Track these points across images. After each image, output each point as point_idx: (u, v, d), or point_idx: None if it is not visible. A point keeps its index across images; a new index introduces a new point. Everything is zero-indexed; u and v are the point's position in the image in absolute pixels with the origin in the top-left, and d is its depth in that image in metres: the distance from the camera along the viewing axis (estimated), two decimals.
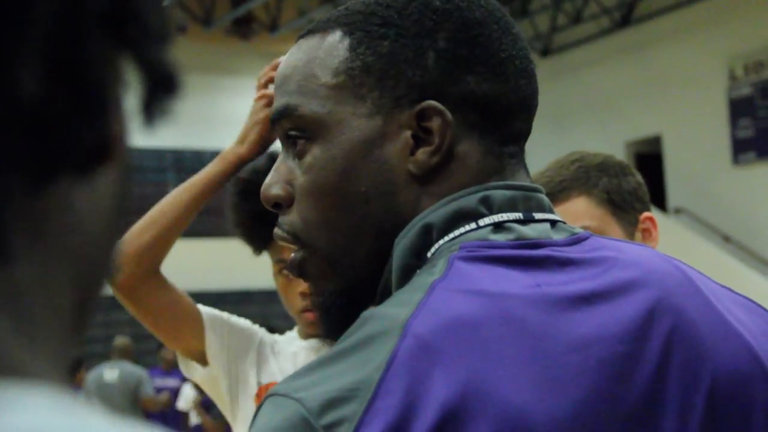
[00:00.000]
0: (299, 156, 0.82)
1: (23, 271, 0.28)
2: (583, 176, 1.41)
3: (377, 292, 0.79)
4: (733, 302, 0.79)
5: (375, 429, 0.62)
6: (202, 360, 1.76)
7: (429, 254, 0.75)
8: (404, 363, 0.63)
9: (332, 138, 0.80)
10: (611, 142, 14.37)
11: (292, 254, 0.83)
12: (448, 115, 0.77)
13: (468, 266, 0.71)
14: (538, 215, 0.78)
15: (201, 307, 1.77)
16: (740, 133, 13.87)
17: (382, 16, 0.80)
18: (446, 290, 0.68)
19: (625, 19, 14.84)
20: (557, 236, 0.76)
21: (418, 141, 0.78)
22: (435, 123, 0.78)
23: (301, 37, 0.85)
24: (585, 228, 1.31)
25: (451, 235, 0.75)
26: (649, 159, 14.84)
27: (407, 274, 0.75)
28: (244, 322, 1.88)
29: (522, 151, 0.83)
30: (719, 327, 0.74)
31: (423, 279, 0.71)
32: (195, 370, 1.78)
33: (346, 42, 0.81)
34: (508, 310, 0.67)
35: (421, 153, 0.78)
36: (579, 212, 1.39)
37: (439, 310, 0.67)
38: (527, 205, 0.78)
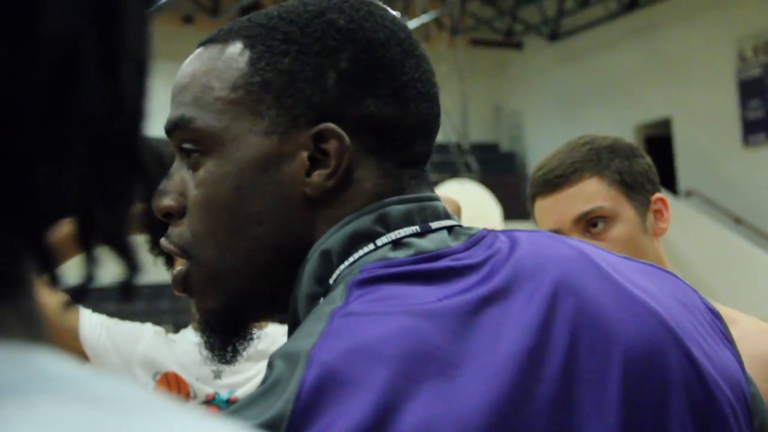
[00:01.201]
0: (193, 168, 0.80)
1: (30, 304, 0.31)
2: (595, 158, 1.42)
3: (288, 324, 0.78)
4: (635, 271, 0.79)
5: None
6: (79, 356, 1.83)
7: (331, 281, 0.75)
8: (313, 391, 0.63)
9: (227, 154, 0.78)
10: (621, 126, 14.49)
11: (177, 267, 0.82)
12: (346, 138, 0.76)
13: (367, 289, 0.70)
14: (435, 224, 0.77)
15: (81, 311, 1.87)
16: (750, 114, 13.85)
17: (284, 31, 0.79)
18: (346, 316, 0.68)
19: (633, 2, 14.83)
20: (455, 242, 0.76)
21: (315, 163, 0.77)
22: (332, 145, 0.77)
23: (202, 45, 0.83)
24: (599, 208, 1.39)
25: (351, 259, 0.75)
26: (659, 142, 14.92)
27: (312, 303, 0.75)
28: (126, 325, 1.97)
29: (423, 172, 0.82)
30: (624, 301, 0.74)
31: (324, 308, 0.70)
32: None
33: (247, 56, 0.80)
34: (412, 328, 0.67)
35: (317, 175, 0.77)
36: (592, 193, 1.40)
37: (342, 336, 0.66)
38: (422, 216, 0.77)
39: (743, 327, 1.37)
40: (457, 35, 14.62)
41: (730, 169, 14.07)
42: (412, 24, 14.25)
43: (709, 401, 0.73)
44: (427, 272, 0.72)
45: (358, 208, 0.77)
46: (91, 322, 1.89)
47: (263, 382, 0.67)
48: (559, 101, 16.20)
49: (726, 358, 0.78)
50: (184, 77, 0.82)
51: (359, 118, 0.77)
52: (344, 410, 0.63)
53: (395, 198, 0.78)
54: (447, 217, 0.79)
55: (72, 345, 1.83)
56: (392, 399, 0.64)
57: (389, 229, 0.76)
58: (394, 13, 0.86)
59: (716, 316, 0.81)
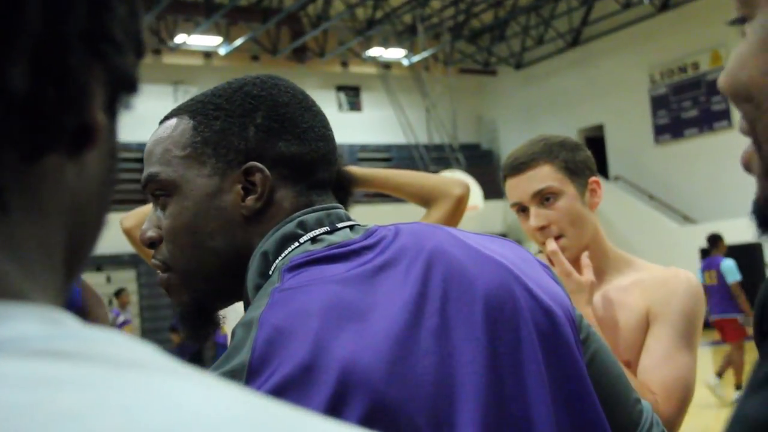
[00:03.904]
0: (163, 208, 0.81)
1: (19, 219, 0.27)
2: (548, 150, 1.37)
3: (244, 308, 0.78)
4: (489, 241, 0.80)
5: (254, 389, 0.61)
6: None
7: (270, 272, 0.75)
8: (264, 344, 0.64)
9: (184, 194, 0.79)
10: (567, 130, 14.45)
11: (161, 275, 0.82)
12: (266, 170, 0.77)
13: (295, 272, 0.71)
14: (340, 225, 0.78)
15: None
16: (659, 121, 13.97)
17: (215, 103, 0.80)
18: (283, 291, 0.69)
19: (575, 40, 14.88)
20: (355, 235, 0.76)
21: (247, 191, 0.77)
22: (257, 177, 0.77)
23: (162, 120, 0.84)
24: (549, 187, 1.35)
25: (283, 255, 0.75)
26: (595, 141, 14.89)
27: (258, 290, 0.75)
28: None
29: (327, 192, 0.81)
30: (480, 259, 0.74)
31: (266, 289, 0.71)
32: None
33: (191, 124, 0.80)
34: (331, 291, 0.68)
35: (249, 200, 0.77)
36: (545, 176, 1.36)
37: (281, 304, 0.67)
38: (330, 219, 0.78)
39: (648, 269, 1.38)
40: (449, 65, 14.83)
41: (645, 160, 14.10)
42: (416, 58, 14.28)
43: (547, 317, 0.73)
44: (336, 255, 0.72)
45: (282, 220, 0.77)
46: None
47: (230, 346, 0.67)
48: (523, 112, 16.13)
49: (555, 289, 0.78)
50: (149, 146, 0.82)
51: (274, 156, 0.77)
52: (288, 353, 0.63)
53: (309, 209, 0.78)
54: (348, 219, 0.80)
55: None
56: (323, 340, 0.63)
57: (307, 231, 0.76)
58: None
59: (545, 267, 0.81)
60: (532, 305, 0.73)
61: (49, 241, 0.29)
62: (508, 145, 15.98)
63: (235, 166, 0.78)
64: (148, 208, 1.62)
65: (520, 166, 1.39)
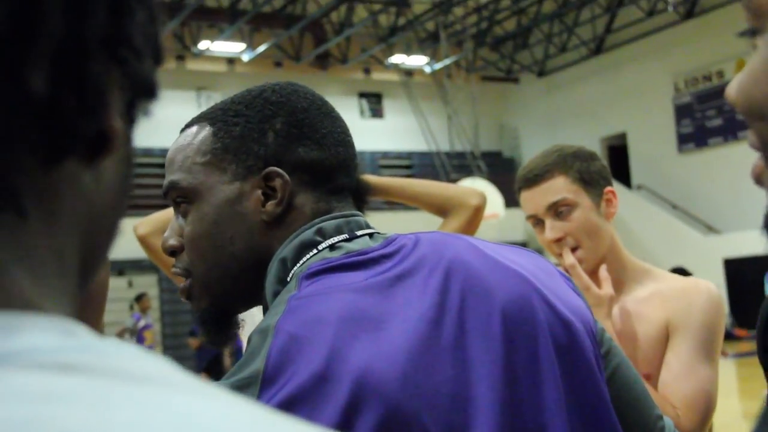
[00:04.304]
0: (184, 215, 0.81)
1: (35, 226, 0.27)
2: (561, 161, 1.37)
3: (263, 313, 0.78)
4: (509, 251, 0.79)
5: (268, 398, 0.62)
6: None
7: (288, 279, 0.75)
8: (279, 351, 0.63)
9: (205, 201, 0.79)
10: (590, 138, 14.53)
11: (182, 284, 0.83)
12: (286, 175, 0.77)
13: (313, 279, 0.71)
14: (359, 233, 0.78)
15: None
16: (683, 130, 13.86)
17: (234, 110, 0.80)
18: (299, 298, 0.69)
19: (599, 48, 14.82)
20: (374, 244, 0.76)
21: (267, 197, 0.78)
22: (277, 182, 0.77)
23: (182, 130, 0.84)
24: (564, 198, 1.35)
25: (301, 262, 0.75)
26: (618, 149, 14.87)
27: (276, 297, 0.75)
28: None
29: (347, 198, 0.81)
30: (499, 269, 0.73)
31: (283, 296, 0.71)
32: None
33: (211, 130, 0.80)
34: (348, 300, 0.68)
35: (269, 205, 0.77)
36: (559, 187, 1.35)
37: (297, 312, 0.67)
38: (349, 227, 0.77)
39: (668, 279, 1.36)
40: (471, 72, 14.89)
41: (669, 169, 14.03)
42: (438, 65, 14.29)
43: (565, 330, 0.73)
44: (354, 263, 0.72)
45: (302, 225, 0.77)
46: None
47: (245, 353, 0.67)
48: (546, 120, 16.09)
49: (576, 302, 0.77)
50: (172, 153, 0.83)
51: (294, 161, 0.78)
52: (303, 362, 0.62)
53: (328, 216, 0.78)
54: (368, 227, 0.79)
55: None
56: (338, 349, 0.63)
57: (326, 238, 0.76)
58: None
59: (567, 278, 0.80)
60: (550, 317, 0.72)
61: (64, 249, 0.29)
62: (530, 153, 15.73)
63: (255, 172, 0.78)
64: (164, 214, 1.61)
65: (535, 178, 1.38)
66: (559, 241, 1.36)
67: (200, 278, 0.81)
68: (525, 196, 1.40)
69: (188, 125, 0.84)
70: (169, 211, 1.62)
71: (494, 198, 9.82)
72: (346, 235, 0.77)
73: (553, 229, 1.36)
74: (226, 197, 0.78)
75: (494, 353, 0.69)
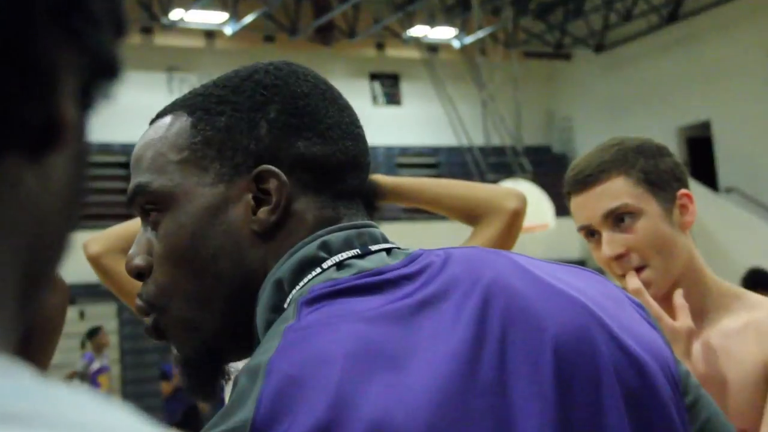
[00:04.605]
0: (154, 227, 0.81)
1: None
2: (622, 158, 1.38)
3: (251, 350, 0.77)
4: (563, 272, 0.79)
5: None
6: None
7: (285, 305, 0.75)
8: (273, 397, 0.63)
9: (181, 207, 0.79)
10: (663, 129, 14.33)
11: (146, 320, 0.82)
12: (283, 176, 0.77)
13: (316, 306, 0.71)
14: (374, 247, 0.78)
15: None
16: None
17: (218, 95, 0.81)
18: (298, 330, 0.68)
19: (673, 15, 14.71)
20: (393, 261, 0.76)
21: (259, 202, 0.78)
22: (272, 184, 0.77)
23: (152, 121, 0.85)
24: (625, 205, 1.36)
25: (301, 284, 0.75)
26: (700, 142, 14.77)
27: (269, 328, 0.74)
28: None
29: (358, 204, 0.82)
30: (551, 294, 0.73)
31: (277, 327, 0.71)
32: None
33: (189, 121, 0.81)
34: (359, 332, 0.67)
35: (262, 212, 0.77)
36: (618, 191, 1.37)
37: (295, 347, 0.66)
38: (362, 240, 0.78)
39: (766, 306, 1.35)
40: (511, 48, 14.81)
41: (766, 167, 13.81)
42: (470, 39, 14.32)
43: (637, 373, 0.72)
44: (367, 285, 0.72)
45: (302, 239, 0.77)
46: None
47: (230, 397, 0.66)
48: (606, 107, 16.04)
49: (652, 337, 0.76)
50: (139, 150, 0.83)
51: (292, 158, 0.78)
52: (303, 410, 0.62)
53: (334, 227, 0.78)
54: (385, 241, 0.80)
55: None
56: (346, 394, 0.63)
57: (332, 254, 0.76)
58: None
59: (639, 306, 0.80)
60: (617, 356, 0.72)
61: (1, 265, 0.29)
62: (586, 147, 14.74)
63: (243, 172, 0.79)
64: (123, 228, 1.62)
65: (587, 179, 1.39)
66: (620, 258, 1.36)
67: (176, 309, 0.80)
68: (576, 202, 1.41)
69: (160, 115, 0.84)
70: (132, 225, 1.61)
71: (542, 204, 9.80)
72: (358, 250, 0.77)
73: (611, 243, 1.36)
74: (207, 203, 0.79)
75: (544, 401, 0.68)
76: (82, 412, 0.24)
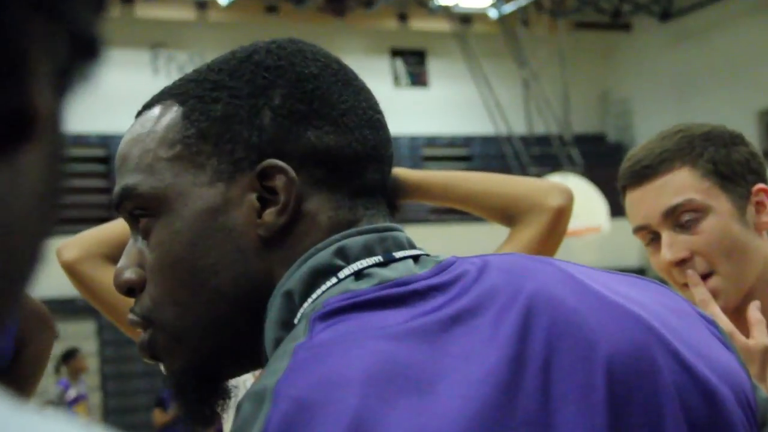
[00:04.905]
0: (144, 235, 0.82)
1: None
2: (687, 146, 1.38)
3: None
4: (620, 282, 0.80)
5: None
6: None
7: (296, 321, 0.76)
8: (280, 425, 0.64)
9: (174, 212, 0.80)
10: (742, 112, 14.23)
11: (141, 336, 0.84)
12: (291, 171, 0.78)
13: (330, 321, 0.71)
14: (398, 254, 0.78)
15: None
16: None
17: (213, 80, 0.81)
18: (310, 349, 0.69)
19: None
20: (421, 270, 0.77)
21: (265, 203, 0.79)
22: (279, 181, 0.78)
23: (138, 113, 0.86)
24: (689, 201, 1.36)
25: (314, 296, 0.76)
26: None
27: (277, 346, 0.75)
28: None
29: (380, 203, 0.82)
30: (604, 308, 0.74)
31: (287, 346, 0.71)
32: None
33: (180, 111, 0.81)
34: (380, 351, 0.68)
35: (268, 214, 0.78)
36: (683, 185, 1.37)
37: (306, 368, 0.67)
38: (384, 246, 0.78)
39: None
40: (559, 18, 14.80)
41: None
42: (509, 8, 14.29)
43: (705, 400, 0.73)
44: (390, 298, 0.73)
45: (314, 244, 0.78)
46: None
47: (233, 425, 0.68)
48: (672, 86, 15.97)
49: (724, 358, 0.77)
50: (123, 148, 0.84)
51: (301, 151, 0.79)
52: None
53: (353, 230, 0.78)
54: (412, 246, 0.80)
55: None
56: (363, 422, 0.64)
57: (350, 261, 0.76)
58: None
59: (710, 322, 0.81)
60: (682, 380, 0.73)
61: None
62: (647, 135, 14.75)
63: (245, 168, 0.80)
64: (102, 231, 1.63)
65: (646, 171, 1.40)
66: (682, 263, 1.37)
67: (171, 327, 0.82)
68: (632, 198, 1.42)
69: (147, 106, 0.85)
70: (111, 226, 1.64)
71: (594, 203, 9.79)
72: (380, 257, 0.78)
73: (673, 245, 1.36)
74: (205, 206, 0.80)
75: (597, 424, 0.69)
76: None
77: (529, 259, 0.80)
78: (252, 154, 0.79)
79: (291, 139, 0.79)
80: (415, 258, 0.80)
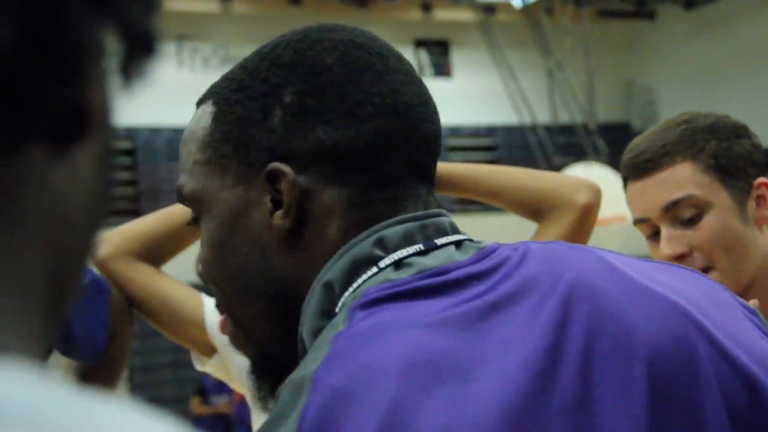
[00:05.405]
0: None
1: None
2: (689, 139, 1.37)
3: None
4: (660, 271, 0.80)
5: None
6: (207, 350, 1.70)
7: (337, 310, 0.76)
8: (318, 413, 0.64)
9: (209, 213, 0.82)
10: (766, 99, 14.12)
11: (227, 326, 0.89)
12: (291, 173, 0.78)
13: (370, 310, 0.72)
14: (440, 240, 0.78)
15: (204, 297, 1.68)
16: None
17: (237, 80, 0.82)
18: (349, 337, 0.69)
19: None
20: (462, 257, 0.77)
21: (278, 204, 0.79)
22: (283, 184, 0.78)
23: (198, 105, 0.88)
24: (690, 197, 1.35)
25: (354, 286, 0.76)
26: None
27: (317, 336, 0.76)
28: None
29: (407, 190, 0.81)
30: (643, 296, 0.74)
31: (326, 335, 0.72)
32: (205, 362, 1.71)
33: (212, 113, 0.83)
34: (418, 340, 0.68)
35: (276, 217, 0.79)
36: (683, 179, 1.36)
37: (345, 357, 0.68)
38: (426, 233, 0.78)
39: None
40: (583, 6, 14.69)
41: None
42: None
43: (747, 391, 0.72)
44: (429, 287, 0.73)
45: (332, 240, 0.78)
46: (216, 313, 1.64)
47: (271, 413, 0.69)
48: (697, 74, 15.89)
49: (766, 349, 0.77)
50: (180, 146, 0.87)
51: (309, 149, 0.78)
52: (352, 426, 0.63)
53: (392, 220, 0.78)
54: (455, 231, 0.80)
55: (197, 336, 1.66)
56: (401, 410, 0.64)
57: (389, 251, 0.77)
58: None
59: (751, 311, 0.80)
60: (723, 369, 0.73)
61: (25, 270, 0.30)
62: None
63: (259, 170, 0.81)
64: (137, 226, 1.64)
65: (647, 164, 1.39)
66: (681, 258, 1.36)
67: (231, 314, 0.87)
68: (633, 191, 1.41)
69: (198, 102, 0.88)
70: (146, 221, 1.66)
71: (619, 192, 9.70)
72: (420, 245, 0.78)
73: (672, 240, 1.36)
74: (229, 209, 0.82)
75: (635, 420, 0.69)
76: (119, 425, 0.25)
77: (569, 248, 0.81)
78: (263, 157, 0.80)
79: (299, 137, 0.79)
80: (458, 243, 0.80)
